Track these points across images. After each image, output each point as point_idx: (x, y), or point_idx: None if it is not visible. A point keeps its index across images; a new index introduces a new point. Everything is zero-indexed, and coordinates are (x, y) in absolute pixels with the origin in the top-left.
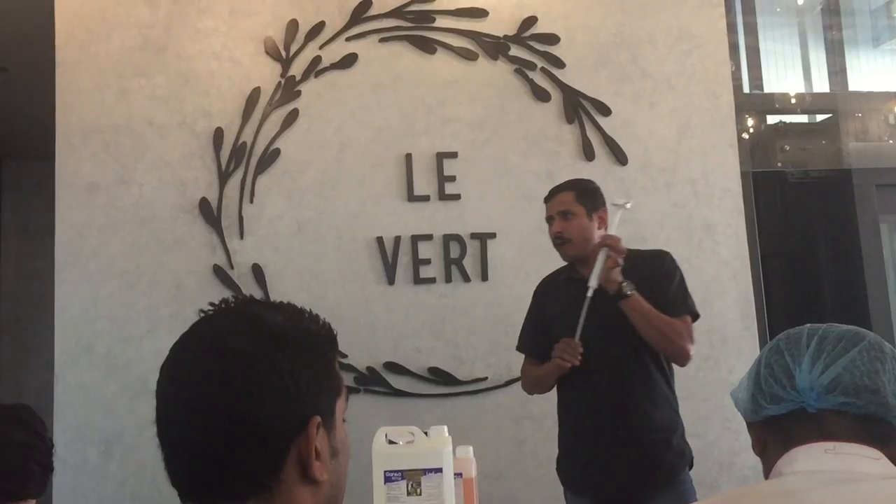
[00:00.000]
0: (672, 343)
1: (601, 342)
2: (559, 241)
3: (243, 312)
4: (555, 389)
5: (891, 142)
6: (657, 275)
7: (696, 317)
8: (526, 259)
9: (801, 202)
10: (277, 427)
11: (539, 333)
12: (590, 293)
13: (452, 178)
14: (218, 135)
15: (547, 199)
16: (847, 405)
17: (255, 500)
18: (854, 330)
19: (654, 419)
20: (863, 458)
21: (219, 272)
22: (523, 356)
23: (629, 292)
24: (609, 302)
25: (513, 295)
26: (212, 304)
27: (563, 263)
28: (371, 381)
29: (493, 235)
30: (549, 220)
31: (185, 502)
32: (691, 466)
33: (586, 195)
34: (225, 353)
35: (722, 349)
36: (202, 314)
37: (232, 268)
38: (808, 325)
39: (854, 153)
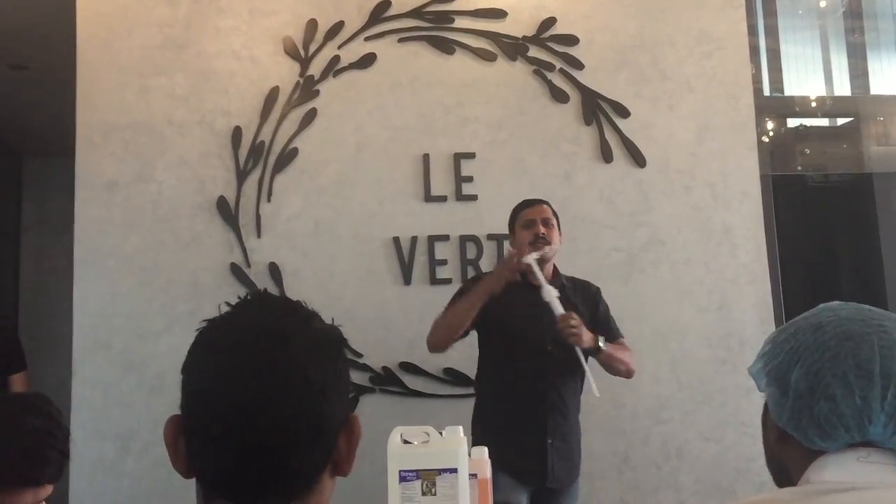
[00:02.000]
0: (625, 367)
1: (553, 343)
2: (542, 242)
3: (288, 312)
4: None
5: None
6: (598, 307)
7: (622, 336)
8: None
9: (821, 206)
10: (336, 426)
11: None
12: (554, 295)
13: (470, 179)
14: (236, 133)
15: (525, 207)
16: None
17: (299, 499)
18: None
19: (576, 421)
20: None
21: (236, 270)
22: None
23: (603, 347)
24: (566, 304)
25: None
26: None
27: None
28: (386, 381)
29: (509, 237)
30: (530, 222)
31: (216, 500)
32: None
33: (556, 215)
34: (292, 352)
35: (740, 354)
36: (229, 307)
37: (249, 266)
38: (875, 330)
39: (875, 157)
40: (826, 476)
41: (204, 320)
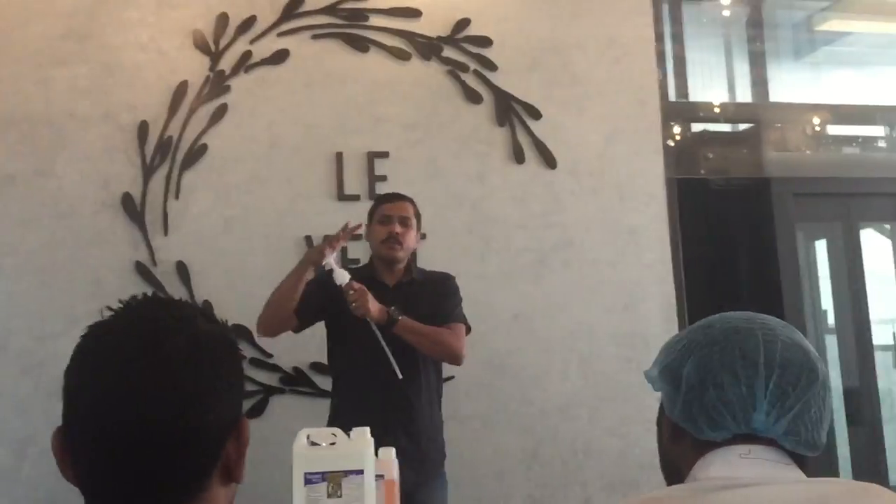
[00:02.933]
0: (442, 346)
1: (391, 345)
2: (394, 242)
3: (169, 313)
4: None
5: (809, 152)
6: (442, 292)
7: (468, 328)
8: (456, 260)
9: (722, 209)
10: (218, 430)
11: (314, 298)
12: (346, 278)
13: (384, 178)
14: (143, 128)
15: (386, 201)
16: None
17: None
18: (804, 353)
19: (432, 418)
20: (778, 464)
21: (141, 269)
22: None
23: (397, 318)
24: (416, 304)
25: None
26: (118, 303)
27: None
28: (297, 382)
29: (423, 236)
30: (387, 218)
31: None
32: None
33: (418, 215)
34: (165, 356)
35: (644, 352)
36: (110, 311)
37: (155, 265)
38: (759, 327)
39: (774, 162)
40: (712, 472)
41: (88, 325)
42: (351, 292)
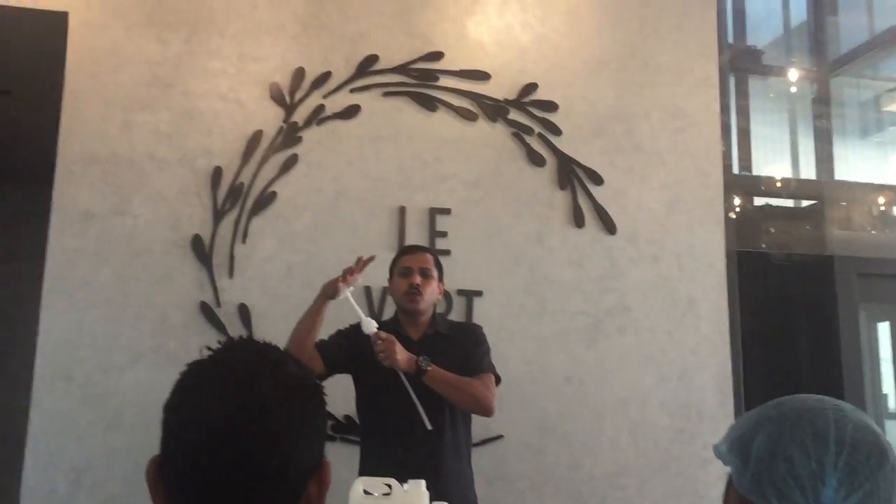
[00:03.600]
0: (472, 397)
1: (419, 397)
2: (415, 292)
3: (264, 357)
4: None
5: (873, 232)
6: (469, 342)
7: (497, 378)
8: (510, 319)
9: (783, 284)
10: (303, 470)
11: (342, 349)
12: (373, 327)
13: (444, 234)
14: (216, 173)
15: (406, 253)
16: None
17: None
18: (874, 436)
19: (461, 473)
20: None
21: (205, 309)
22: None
23: (426, 367)
24: (441, 356)
25: (495, 354)
26: (217, 342)
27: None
28: (347, 430)
29: (479, 293)
30: (408, 270)
31: None
32: None
33: (439, 266)
34: (259, 397)
35: (698, 424)
36: (210, 351)
37: (219, 306)
38: (831, 407)
39: (837, 241)
40: None
41: (188, 363)
42: (378, 342)
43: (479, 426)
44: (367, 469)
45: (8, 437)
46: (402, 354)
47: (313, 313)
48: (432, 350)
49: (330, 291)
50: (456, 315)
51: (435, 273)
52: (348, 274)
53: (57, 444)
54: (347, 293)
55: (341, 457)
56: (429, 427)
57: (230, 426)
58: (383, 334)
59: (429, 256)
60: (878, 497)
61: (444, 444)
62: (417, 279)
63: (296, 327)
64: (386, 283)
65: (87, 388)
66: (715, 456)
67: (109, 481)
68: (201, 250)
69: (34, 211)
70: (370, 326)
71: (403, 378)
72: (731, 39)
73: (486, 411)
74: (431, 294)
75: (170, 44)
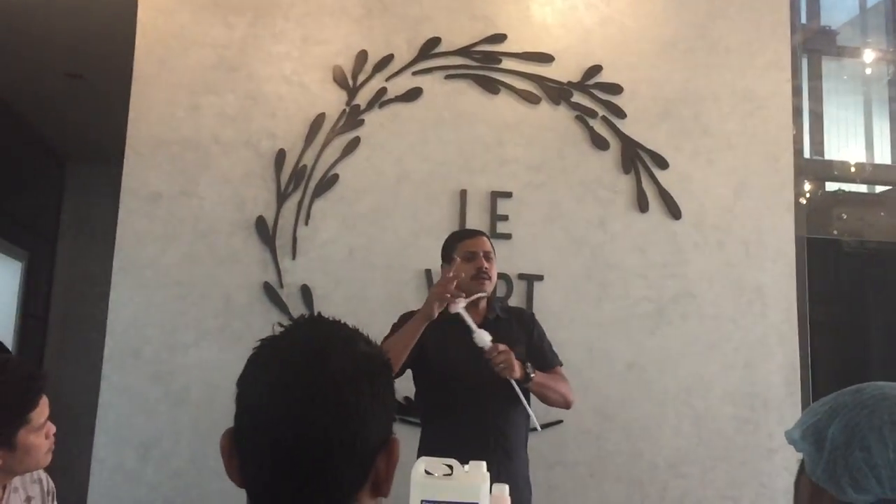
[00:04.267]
0: (562, 396)
1: (492, 381)
2: (485, 276)
3: (335, 334)
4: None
5: None
6: (532, 333)
7: (561, 364)
8: (571, 304)
9: (855, 272)
10: (373, 445)
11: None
12: (487, 340)
13: (505, 218)
14: (280, 156)
15: (466, 237)
16: None
17: None
18: None
19: (523, 458)
20: None
21: (268, 290)
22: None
23: (532, 374)
24: (502, 338)
25: (556, 339)
26: (287, 320)
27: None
28: (408, 411)
29: (540, 278)
30: (473, 255)
31: None
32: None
33: (493, 247)
34: (330, 373)
35: (763, 414)
36: (281, 328)
37: (282, 287)
38: None
39: None
40: None
41: (259, 339)
42: (496, 354)
43: (540, 411)
44: (430, 452)
45: (79, 412)
46: (516, 363)
47: (411, 334)
48: (495, 333)
49: (439, 307)
50: (517, 299)
51: (493, 255)
52: (451, 285)
53: (126, 419)
54: (460, 308)
55: (400, 437)
56: (538, 429)
57: (302, 401)
58: (501, 346)
59: (487, 240)
60: None
61: (515, 428)
62: (484, 263)
63: (391, 346)
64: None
65: (154, 366)
66: (787, 441)
67: (175, 456)
68: (265, 232)
69: (105, 192)
70: (484, 339)
71: (514, 384)
72: (803, 20)
73: (569, 405)
74: (495, 276)
75: (235, 27)
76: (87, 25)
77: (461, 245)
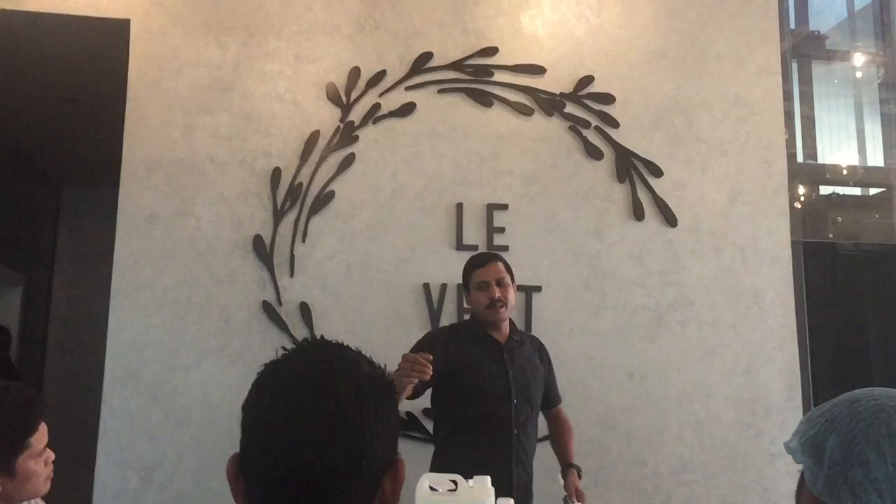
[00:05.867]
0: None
1: (518, 397)
2: (500, 304)
3: (338, 357)
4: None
5: None
6: (547, 364)
7: (561, 401)
8: (570, 314)
9: (851, 275)
10: (379, 467)
11: (438, 364)
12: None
13: (501, 230)
14: (276, 174)
15: (480, 265)
16: None
17: None
18: None
19: (532, 467)
20: None
21: (267, 308)
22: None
23: (579, 470)
24: (524, 359)
25: (555, 349)
26: (291, 343)
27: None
28: (410, 427)
29: (538, 289)
30: (485, 284)
31: None
32: None
33: (509, 269)
34: (335, 396)
35: (765, 419)
36: (284, 351)
37: (280, 304)
38: None
39: None
40: None
41: (263, 364)
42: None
43: (539, 420)
44: (453, 465)
45: (81, 434)
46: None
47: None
48: (517, 352)
49: (405, 388)
50: (515, 311)
51: (508, 279)
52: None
53: (127, 442)
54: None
55: (404, 454)
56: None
57: (307, 425)
58: (575, 490)
59: (500, 265)
60: None
61: (531, 442)
62: (497, 292)
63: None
64: (444, 282)
65: (155, 387)
66: (786, 452)
67: (178, 477)
68: (262, 250)
69: (101, 214)
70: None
71: (564, 472)
72: (792, 25)
73: None
74: (511, 300)
75: (228, 47)
76: (80, 49)
77: (474, 275)
